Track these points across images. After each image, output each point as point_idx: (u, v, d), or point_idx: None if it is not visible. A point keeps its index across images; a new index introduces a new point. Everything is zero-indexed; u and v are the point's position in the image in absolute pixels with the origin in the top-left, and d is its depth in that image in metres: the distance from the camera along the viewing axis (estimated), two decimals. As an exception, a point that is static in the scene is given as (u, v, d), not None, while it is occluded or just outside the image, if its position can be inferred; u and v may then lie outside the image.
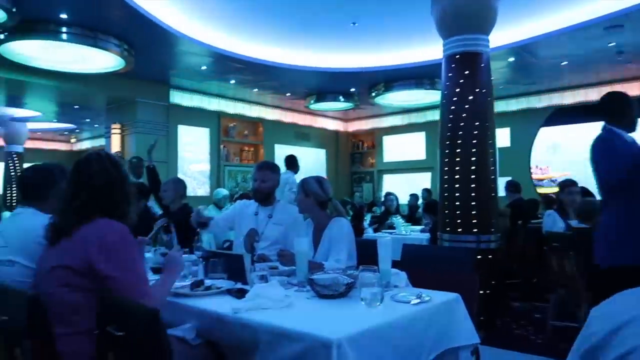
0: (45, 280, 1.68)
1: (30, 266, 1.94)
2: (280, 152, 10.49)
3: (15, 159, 10.72)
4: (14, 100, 9.07)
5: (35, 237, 1.95)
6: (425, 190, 9.30)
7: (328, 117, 11.95)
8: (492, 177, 4.27)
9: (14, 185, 10.25)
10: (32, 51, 6.29)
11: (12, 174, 10.57)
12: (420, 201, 8.74)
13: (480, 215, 4.16)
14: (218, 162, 9.65)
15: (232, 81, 8.57)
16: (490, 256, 4.16)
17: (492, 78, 4.44)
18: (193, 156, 9.28)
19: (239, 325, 1.73)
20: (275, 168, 3.35)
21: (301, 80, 8.52)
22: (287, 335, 1.57)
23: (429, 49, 7.05)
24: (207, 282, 2.24)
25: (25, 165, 10.56)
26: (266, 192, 3.25)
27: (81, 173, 1.78)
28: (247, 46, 7.10)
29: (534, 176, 9.61)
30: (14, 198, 10.28)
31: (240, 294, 2.02)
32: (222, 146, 9.77)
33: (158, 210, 4.95)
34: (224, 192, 7.37)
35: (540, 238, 4.91)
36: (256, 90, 9.28)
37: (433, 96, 8.75)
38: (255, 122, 10.50)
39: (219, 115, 9.64)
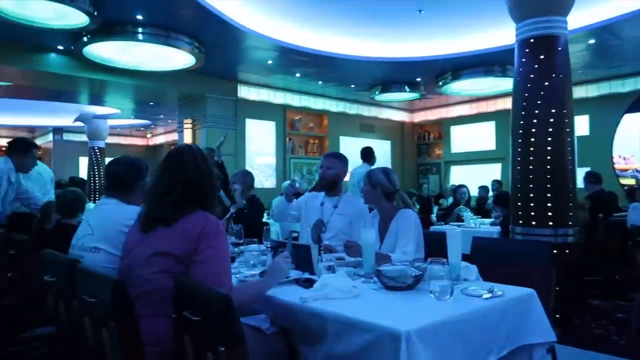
0: (140, 265, 1.75)
1: (113, 253, 2.07)
2: (345, 144, 10.50)
3: (97, 153, 11.49)
4: (96, 99, 9.72)
5: (119, 226, 2.08)
6: (496, 182, 8.95)
7: (393, 108, 11.79)
8: (570, 167, 4.03)
9: (97, 178, 10.98)
10: (111, 52, 6.70)
11: (95, 167, 11.34)
12: (490, 193, 8.43)
13: (557, 208, 3.94)
14: (284, 154, 9.82)
15: (297, 74, 8.66)
16: (567, 251, 3.94)
17: (570, 62, 4.18)
18: (260, 149, 9.50)
19: (307, 314, 1.76)
20: (341, 157, 3.35)
21: (366, 71, 8.45)
22: (355, 326, 1.57)
23: (500, 34, 6.75)
24: (276, 271, 2.28)
25: (107, 160, 11.29)
26: (331, 180, 3.26)
27: (175, 164, 1.84)
28: (311, 39, 7.14)
29: (616, 166, 8.96)
30: (97, 190, 11.03)
31: (307, 283, 2.05)
32: (287, 139, 9.92)
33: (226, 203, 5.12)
34: (290, 184, 7.47)
35: (623, 232, 4.59)
36: (321, 82, 9.33)
37: (504, 83, 8.39)
38: (320, 115, 10.56)
39: (285, 108, 9.79)
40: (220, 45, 6.87)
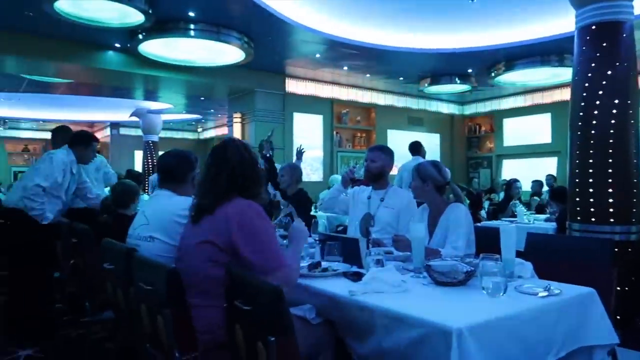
0: (190, 255, 1.84)
1: (167, 242, 2.14)
2: (393, 138, 10.39)
3: (151, 147, 11.91)
4: (150, 95, 10.07)
5: (172, 216, 2.16)
6: (550, 177, 8.59)
7: (442, 101, 11.53)
8: (635, 161, 3.80)
9: (151, 171, 11.38)
10: (164, 49, 6.91)
11: (149, 160, 11.76)
12: (544, 188, 8.11)
13: (619, 204, 3.73)
14: (331, 148, 9.82)
15: (345, 67, 8.63)
16: (629, 249, 3.73)
17: (636, 49, 3.93)
18: (307, 142, 9.53)
19: (355, 308, 1.75)
20: (386, 149, 3.32)
21: (415, 63, 8.31)
22: (405, 321, 1.55)
23: (557, 22, 6.45)
24: (324, 264, 2.29)
25: (161, 153, 11.69)
26: (376, 173, 3.24)
27: (220, 157, 1.93)
28: (359, 31, 7.08)
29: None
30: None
31: (356, 277, 2.04)
32: (335, 132, 9.92)
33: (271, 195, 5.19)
34: (338, 177, 7.48)
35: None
36: (369, 75, 9.25)
37: (562, 73, 8.02)
38: (367, 108, 10.49)
39: (332, 102, 9.78)
40: (268, 39, 6.94)
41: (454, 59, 7.91)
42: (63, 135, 4.19)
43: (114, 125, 14.04)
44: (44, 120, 13.71)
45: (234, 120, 9.28)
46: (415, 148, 6.62)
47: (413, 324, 1.52)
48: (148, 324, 1.82)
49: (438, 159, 9.84)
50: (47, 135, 13.13)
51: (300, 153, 5.45)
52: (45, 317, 3.67)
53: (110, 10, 5.41)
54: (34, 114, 13.01)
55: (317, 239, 2.70)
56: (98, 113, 12.93)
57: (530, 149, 10.70)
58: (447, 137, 11.90)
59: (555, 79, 8.68)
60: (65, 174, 3.79)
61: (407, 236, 2.48)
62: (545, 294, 1.76)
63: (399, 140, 9.81)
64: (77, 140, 3.93)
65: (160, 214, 2.23)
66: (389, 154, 3.31)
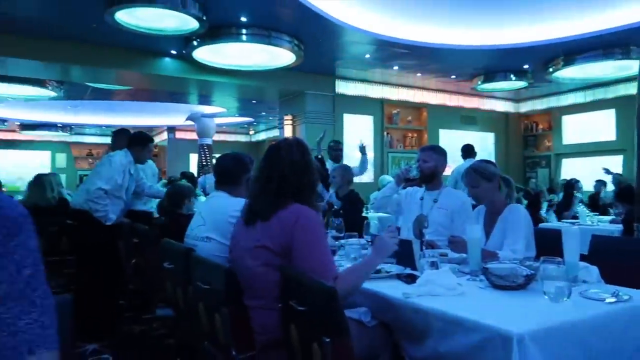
0: (244, 257, 1.83)
1: (223, 242, 2.20)
2: (445, 137, 10.17)
3: (206, 150, 12.26)
4: (204, 99, 10.38)
5: (227, 217, 2.21)
6: (617, 175, 8.13)
7: (497, 99, 11.17)
8: None
9: (206, 173, 11.72)
10: (216, 55, 7.10)
11: (204, 163, 12.11)
12: (608, 188, 7.68)
13: (693, 205, 3.49)
14: (382, 148, 9.75)
15: (395, 67, 8.53)
16: None
17: None
18: (358, 144, 9.50)
19: (410, 310, 1.73)
20: (438, 149, 3.26)
21: (467, 60, 8.09)
22: (462, 325, 1.52)
23: (622, 12, 6.10)
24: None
25: (216, 156, 12.03)
26: (428, 173, 3.18)
27: (271, 161, 1.89)
28: (410, 30, 6.98)
29: None
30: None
31: (410, 279, 2.02)
32: (385, 133, 9.83)
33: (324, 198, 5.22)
34: (388, 178, 7.42)
35: None
36: (419, 74, 9.11)
37: (627, 66, 7.58)
38: (418, 108, 10.32)
39: (382, 102, 9.70)
40: (318, 41, 6.97)
41: (509, 54, 7.65)
42: (123, 137, 4.39)
43: (171, 129, 14.56)
44: (107, 126, 14.41)
45: (285, 122, 9.39)
46: (468, 151, 6.47)
47: (471, 328, 1.49)
48: (206, 323, 1.87)
49: (492, 159, 9.55)
50: (110, 140, 13.82)
51: (362, 148, 5.44)
52: (109, 313, 3.85)
53: (169, 17, 5.61)
54: (97, 120, 13.72)
55: (369, 240, 2.69)
56: (156, 118, 13.46)
57: (592, 147, 10.18)
58: (501, 136, 11.52)
59: (619, 73, 8.21)
60: (124, 175, 3.97)
61: (463, 237, 2.42)
62: (613, 300, 1.67)
63: (451, 140, 9.60)
64: (134, 142, 4.10)
65: (216, 215, 2.30)
66: (441, 153, 3.24)
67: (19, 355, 0.77)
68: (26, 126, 14.20)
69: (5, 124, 14.15)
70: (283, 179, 1.82)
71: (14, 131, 15.18)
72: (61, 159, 17.18)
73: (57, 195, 5.07)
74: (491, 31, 7.11)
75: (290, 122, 9.31)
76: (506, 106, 11.52)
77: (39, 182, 4.99)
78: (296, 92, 9.01)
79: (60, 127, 14.71)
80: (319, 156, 5.36)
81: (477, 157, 5.62)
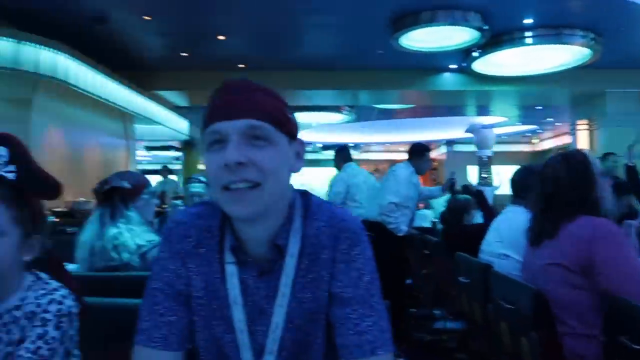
0: (537, 278, 1.71)
1: (520, 260, 2.05)
2: None
3: (485, 162, 11.93)
4: (482, 110, 10.16)
5: (524, 233, 2.06)
6: None
7: None
8: None
9: (487, 184, 11.39)
10: (497, 62, 6.84)
11: (484, 176, 11.79)
12: None
13: None
14: None
15: None
16: None
17: None
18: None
19: None
20: None
21: None
22: None
23: None
24: None
25: (493, 168, 11.64)
26: None
27: (545, 177, 1.77)
28: None
29: None
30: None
31: None
32: None
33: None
34: None
35: None
36: None
37: None
38: None
39: None
40: (621, 31, 5.99)
41: None
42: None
43: (449, 143, 14.74)
44: (390, 143, 15.58)
45: (578, 127, 8.39)
46: None
47: None
48: (509, 343, 1.77)
49: None
50: (393, 156, 14.89)
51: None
52: (402, 320, 4.06)
53: (452, 32, 5.69)
54: (381, 138, 14.98)
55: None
56: (434, 132, 13.86)
57: None
58: None
59: None
60: (409, 186, 4.16)
61: None
62: None
63: None
64: (413, 153, 4.27)
65: (513, 231, 2.17)
66: None
67: (363, 354, 0.86)
68: (327, 147, 16.59)
69: (310, 146, 16.82)
70: (559, 196, 1.69)
71: (315, 152, 17.92)
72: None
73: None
74: None
75: (585, 126, 8.26)
76: None
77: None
78: (593, 92, 7.94)
79: (352, 146, 16.67)
80: (630, 164, 4.52)
81: None
